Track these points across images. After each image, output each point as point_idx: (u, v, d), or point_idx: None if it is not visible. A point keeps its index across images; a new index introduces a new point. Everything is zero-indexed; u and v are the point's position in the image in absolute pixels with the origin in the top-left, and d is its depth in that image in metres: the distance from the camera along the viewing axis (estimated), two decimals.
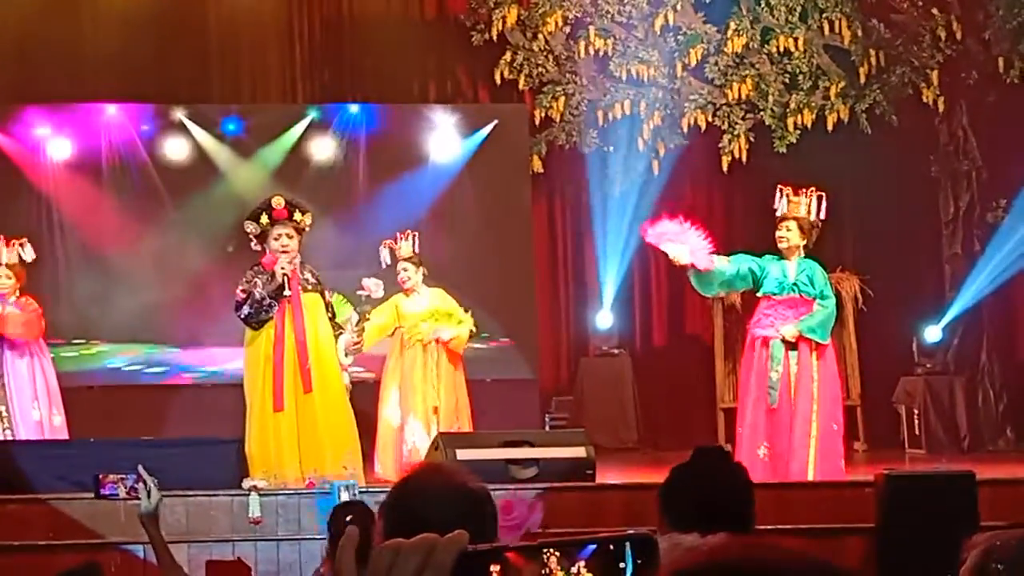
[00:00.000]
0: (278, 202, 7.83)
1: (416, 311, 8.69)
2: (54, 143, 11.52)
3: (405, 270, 8.77)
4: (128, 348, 11.36)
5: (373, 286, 8.42)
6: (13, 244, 8.76)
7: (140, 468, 4.43)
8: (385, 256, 8.84)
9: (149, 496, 4.35)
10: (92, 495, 6.25)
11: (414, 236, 8.90)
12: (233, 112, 11.73)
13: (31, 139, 11.48)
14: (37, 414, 8.37)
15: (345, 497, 5.61)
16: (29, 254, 8.77)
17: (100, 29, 11.33)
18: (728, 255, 7.99)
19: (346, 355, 7.93)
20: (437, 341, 8.57)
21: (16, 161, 11.44)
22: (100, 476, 4.59)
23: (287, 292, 7.62)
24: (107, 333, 11.25)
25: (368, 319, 8.26)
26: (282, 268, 7.62)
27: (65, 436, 8.31)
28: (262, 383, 7.63)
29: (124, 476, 4.43)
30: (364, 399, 8.76)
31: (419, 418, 8.48)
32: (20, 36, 11.25)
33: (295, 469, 7.37)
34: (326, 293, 7.96)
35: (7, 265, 8.63)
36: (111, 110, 11.58)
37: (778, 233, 7.88)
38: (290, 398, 7.56)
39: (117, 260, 11.18)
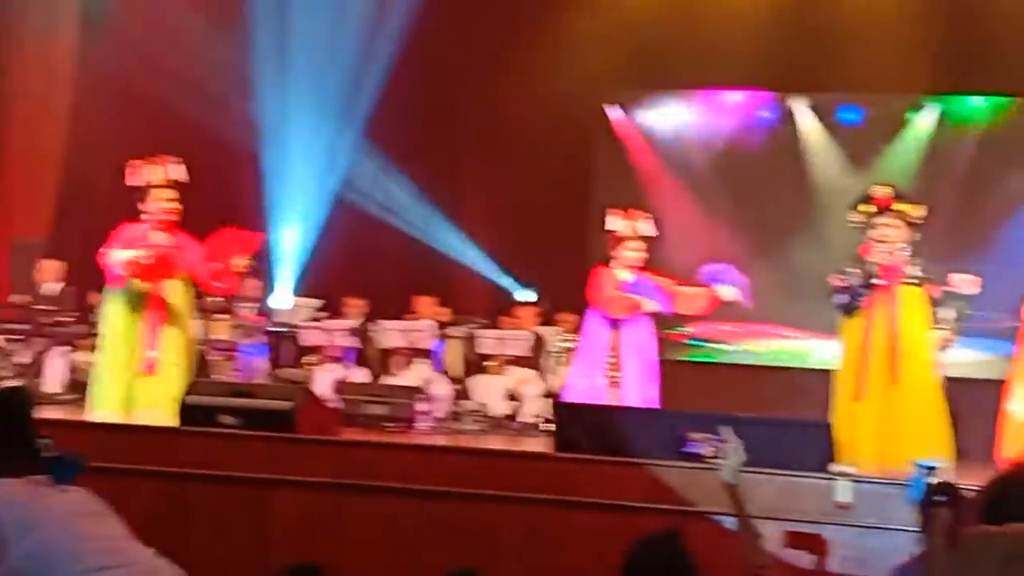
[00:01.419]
0: (881, 191, 7.59)
1: None
2: (674, 128, 11.93)
3: None
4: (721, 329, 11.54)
5: (963, 283, 7.77)
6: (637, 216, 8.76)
7: (724, 429, 4.39)
8: None
9: (731, 458, 4.29)
10: (683, 463, 6.39)
11: None
12: (850, 101, 11.55)
13: (651, 124, 11.96)
14: (639, 386, 8.56)
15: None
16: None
17: (726, 18, 11.52)
18: None
19: (941, 350, 7.46)
20: None
21: (630, 144, 11.97)
22: (686, 434, 4.64)
23: (878, 282, 7.38)
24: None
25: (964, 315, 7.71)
26: (874, 259, 7.41)
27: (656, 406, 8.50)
28: (849, 371, 7.47)
29: (709, 436, 4.44)
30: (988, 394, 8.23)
31: None
32: (649, 26, 11.69)
33: (872, 460, 7.15)
34: (934, 288, 7.53)
35: (643, 238, 8.69)
36: (732, 97, 11.80)
37: None
38: (874, 388, 7.36)
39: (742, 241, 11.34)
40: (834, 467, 6.45)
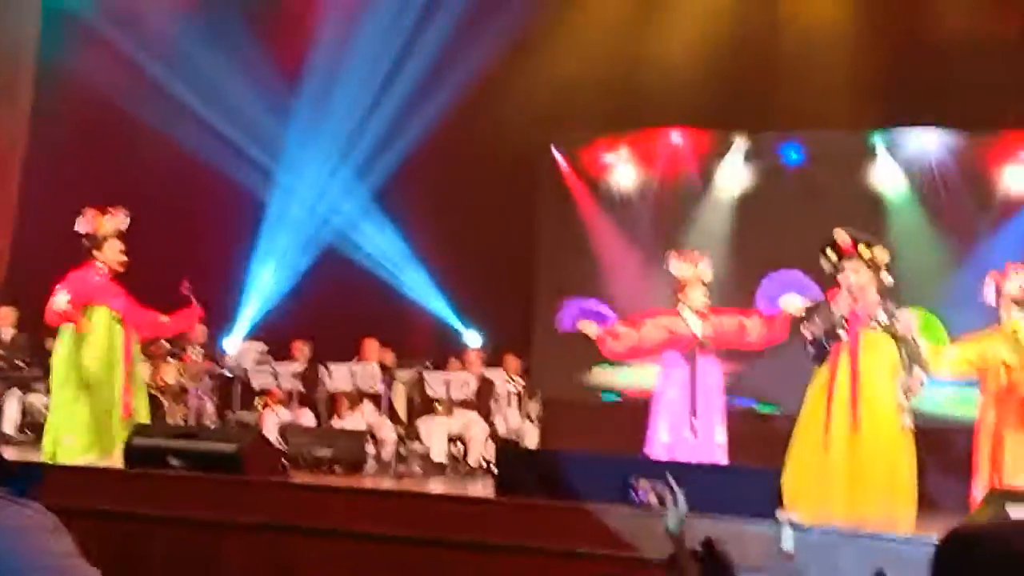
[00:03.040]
0: (842, 237, 7.54)
1: (1010, 359, 7.95)
2: (619, 169, 12.03)
3: (1006, 309, 8.00)
4: None
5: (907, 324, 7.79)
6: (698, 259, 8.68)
7: (669, 476, 4.41)
8: (990, 292, 8.06)
9: (675, 508, 4.32)
10: (628, 507, 6.41)
11: (1021, 272, 8.04)
12: (793, 139, 11.64)
13: (596, 165, 12.06)
14: (722, 436, 8.51)
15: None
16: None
17: (669, 59, 11.61)
18: None
19: (907, 396, 7.43)
20: None
21: (575, 186, 12.06)
22: (632, 480, 4.68)
23: (841, 333, 7.38)
24: None
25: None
26: (840, 305, 7.41)
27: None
28: (812, 418, 7.45)
29: (655, 483, 4.47)
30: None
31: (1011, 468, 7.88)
32: (594, 69, 11.77)
33: (838, 509, 7.12)
34: (906, 333, 7.50)
35: (705, 283, 8.62)
36: (675, 137, 11.89)
37: None
38: (839, 438, 7.31)
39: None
40: (780, 515, 6.48)
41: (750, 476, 7.05)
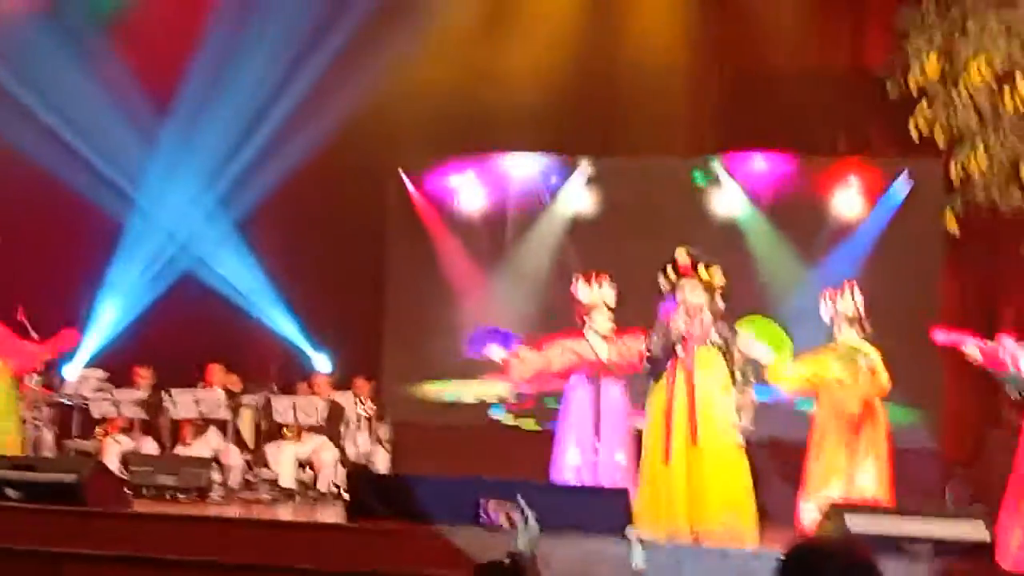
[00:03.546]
0: (682, 256, 7.73)
1: (841, 376, 8.21)
2: (464, 194, 12.06)
3: (839, 326, 8.30)
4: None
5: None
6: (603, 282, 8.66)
7: (519, 498, 4.44)
8: (825, 309, 8.36)
9: (527, 527, 4.35)
10: (479, 529, 6.42)
11: (853, 291, 8.36)
12: (637, 164, 11.83)
13: (442, 191, 12.08)
14: (622, 456, 8.48)
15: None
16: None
17: (515, 85, 11.68)
18: None
19: (738, 411, 7.62)
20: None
21: (423, 209, 12.06)
22: (484, 502, 4.70)
23: (678, 351, 7.54)
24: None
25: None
26: (675, 324, 7.57)
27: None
28: (654, 434, 7.60)
29: (505, 504, 4.50)
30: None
31: (836, 481, 8.11)
32: (441, 95, 11.79)
33: (681, 522, 7.30)
34: (739, 351, 7.68)
35: (610, 307, 8.59)
36: (519, 161, 11.98)
37: None
38: (679, 451, 7.48)
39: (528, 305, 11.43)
40: (630, 532, 6.56)
41: (601, 495, 7.14)
